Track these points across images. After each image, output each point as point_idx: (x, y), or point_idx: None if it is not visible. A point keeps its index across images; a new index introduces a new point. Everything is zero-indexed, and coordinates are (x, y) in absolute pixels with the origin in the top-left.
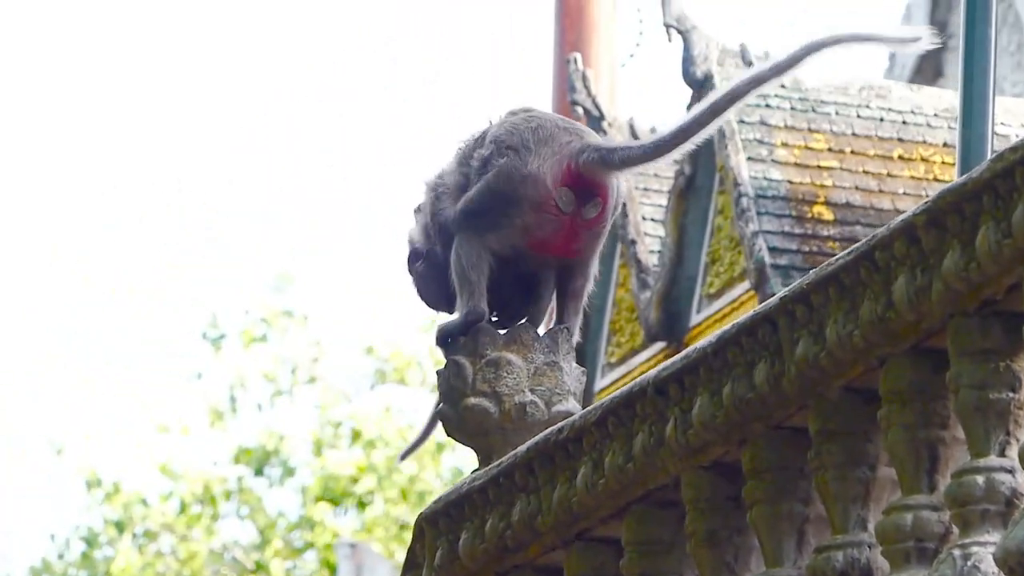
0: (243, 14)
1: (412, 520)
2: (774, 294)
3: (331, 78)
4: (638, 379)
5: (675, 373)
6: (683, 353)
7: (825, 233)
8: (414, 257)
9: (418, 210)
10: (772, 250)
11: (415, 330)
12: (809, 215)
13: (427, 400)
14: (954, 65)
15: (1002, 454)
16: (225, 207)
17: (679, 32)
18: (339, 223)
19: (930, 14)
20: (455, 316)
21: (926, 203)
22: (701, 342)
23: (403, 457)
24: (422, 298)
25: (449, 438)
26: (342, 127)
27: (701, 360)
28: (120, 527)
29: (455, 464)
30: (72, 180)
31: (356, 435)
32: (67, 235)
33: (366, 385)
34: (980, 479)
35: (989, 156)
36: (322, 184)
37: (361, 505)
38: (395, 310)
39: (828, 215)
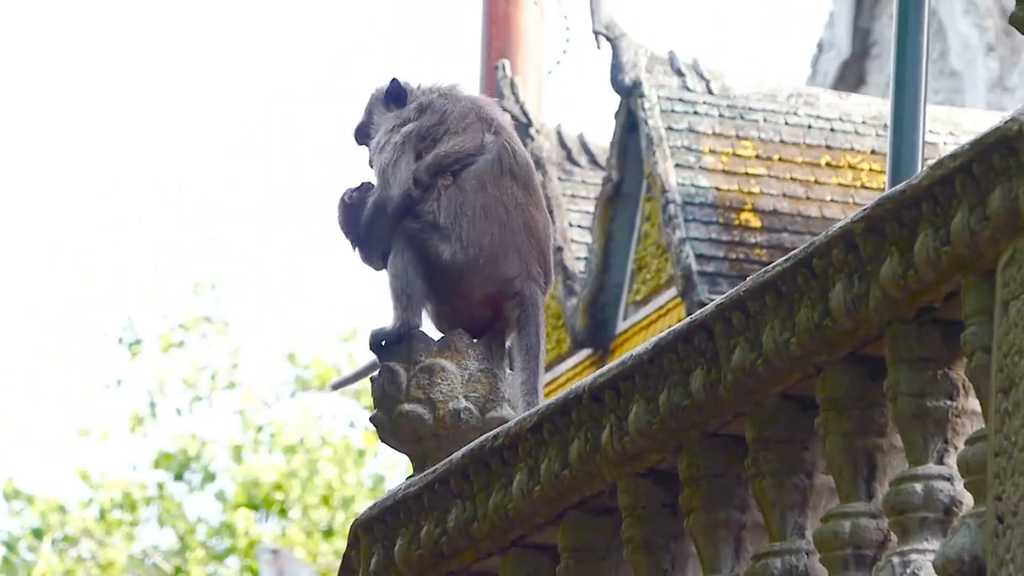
0: (242, 15)
1: (333, 526)
2: (701, 301)
3: (331, 78)
4: (574, 386)
5: (611, 380)
6: (619, 360)
7: (752, 240)
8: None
9: (380, 110)
10: (699, 257)
11: (336, 338)
12: (736, 222)
13: (348, 407)
14: (877, 73)
15: (940, 462)
16: (163, 212)
17: (608, 39)
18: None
19: (853, 21)
20: (388, 324)
21: (864, 210)
22: (637, 349)
23: (335, 387)
24: (340, 225)
25: (368, 444)
26: (341, 127)
27: (637, 367)
28: (39, 533)
29: (376, 471)
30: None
31: (276, 440)
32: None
33: (286, 392)
34: (918, 487)
35: (920, 163)
36: (315, 186)
37: (282, 511)
38: (317, 317)
39: (756, 222)
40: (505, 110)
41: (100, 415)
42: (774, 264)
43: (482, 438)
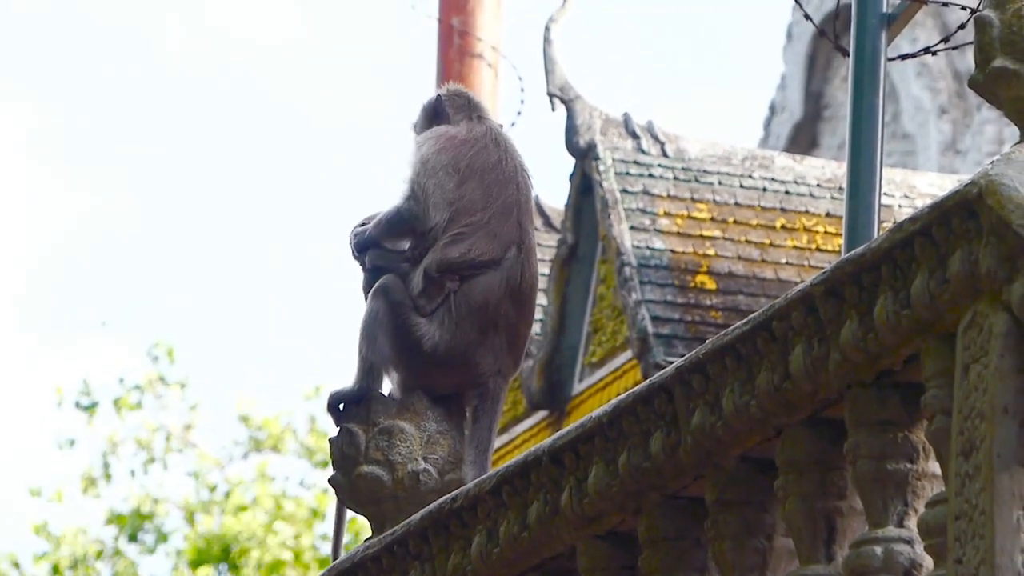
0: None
1: None
2: (657, 363)
3: (286, 137)
4: (533, 448)
5: (570, 442)
6: (578, 422)
7: (708, 303)
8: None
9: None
10: (655, 319)
11: (291, 398)
12: (692, 284)
13: (300, 468)
14: (829, 135)
15: (900, 524)
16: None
17: (562, 101)
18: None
19: (805, 83)
20: (348, 386)
21: (824, 273)
22: (596, 411)
23: (335, 555)
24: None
25: (321, 505)
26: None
27: (596, 429)
28: None
29: (327, 531)
30: None
31: (229, 501)
32: None
33: (239, 453)
34: (878, 549)
35: (876, 226)
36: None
37: (234, 570)
38: (272, 378)
39: (711, 284)
40: None
41: (53, 475)
42: (733, 327)
43: (441, 500)
